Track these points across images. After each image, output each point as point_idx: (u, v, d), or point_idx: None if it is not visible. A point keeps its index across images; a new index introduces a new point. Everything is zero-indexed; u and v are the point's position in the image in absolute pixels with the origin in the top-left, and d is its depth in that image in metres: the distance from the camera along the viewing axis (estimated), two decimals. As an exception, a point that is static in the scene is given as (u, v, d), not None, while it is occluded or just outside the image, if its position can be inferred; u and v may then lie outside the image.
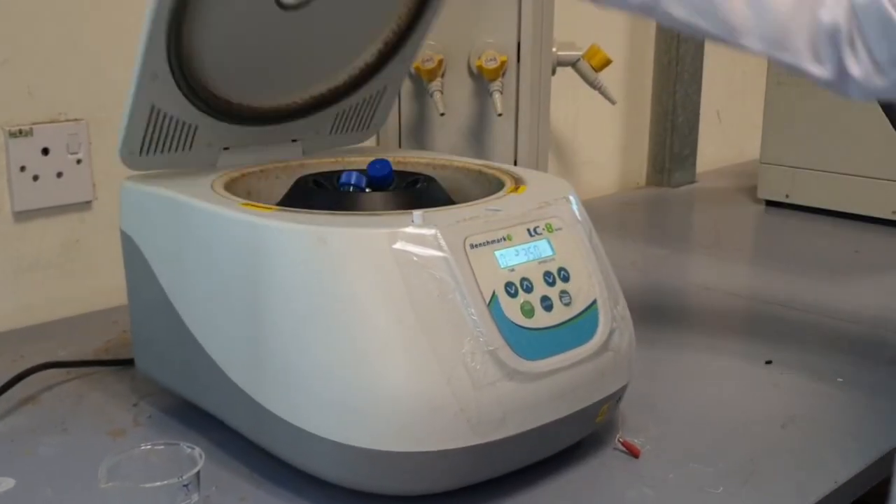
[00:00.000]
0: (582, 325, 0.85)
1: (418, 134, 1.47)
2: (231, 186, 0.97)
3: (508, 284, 0.81)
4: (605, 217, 1.95)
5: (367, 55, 1.10)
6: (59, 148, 1.25)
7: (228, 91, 1.00)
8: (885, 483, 0.86)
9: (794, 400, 1.05)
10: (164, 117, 0.97)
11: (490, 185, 1.01)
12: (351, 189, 1.00)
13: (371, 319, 0.77)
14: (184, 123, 0.99)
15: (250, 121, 1.05)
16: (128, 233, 0.98)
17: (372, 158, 1.10)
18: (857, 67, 0.86)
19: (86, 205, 1.30)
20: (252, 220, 0.83)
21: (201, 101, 0.98)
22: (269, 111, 1.06)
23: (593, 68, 1.60)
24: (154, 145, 0.98)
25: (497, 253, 0.82)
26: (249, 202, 0.88)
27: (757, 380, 1.11)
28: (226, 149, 1.05)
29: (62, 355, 1.15)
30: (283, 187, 1.03)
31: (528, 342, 0.80)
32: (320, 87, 1.09)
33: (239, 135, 1.05)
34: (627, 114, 2.16)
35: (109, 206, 1.29)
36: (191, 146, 1.02)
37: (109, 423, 0.98)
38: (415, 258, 0.78)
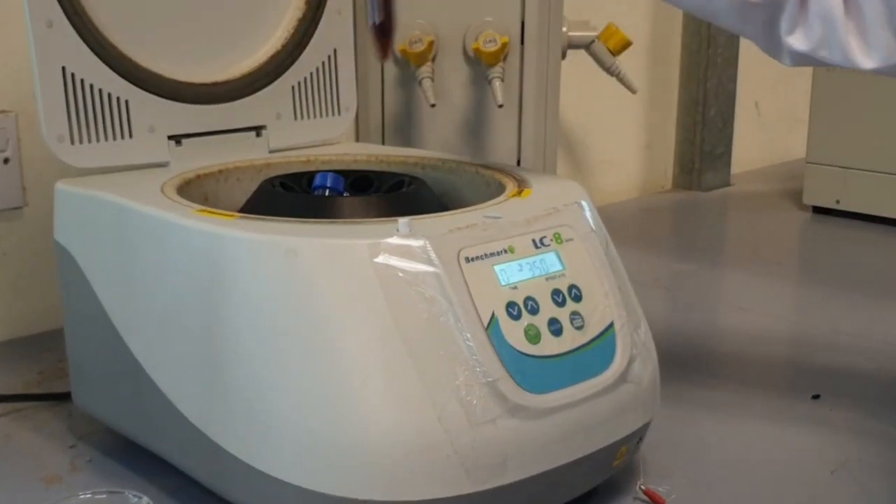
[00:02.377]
0: (597, 352, 0.85)
1: (405, 128, 1.47)
2: (185, 190, 0.97)
3: (510, 305, 0.81)
4: (623, 226, 1.95)
5: (295, 8, 1.16)
6: (-17, 145, 1.26)
7: (135, 49, 1.04)
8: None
9: (845, 441, 1.05)
10: (84, 85, 1.00)
11: (489, 189, 1.01)
12: (326, 193, 1.00)
13: (349, 345, 0.77)
14: (110, 95, 1.02)
15: (190, 97, 1.08)
16: (63, 244, 0.98)
17: (351, 157, 1.10)
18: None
19: (14, 212, 1.30)
20: (209, 230, 0.83)
21: (114, 62, 1.02)
22: (208, 87, 1.09)
23: (610, 51, 1.60)
24: (85, 127, 1.01)
25: (497, 268, 0.82)
26: (206, 208, 0.88)
27: (802, 417, 1.11)
28: (178, 143, 1.06)
29: (-14, 388, 1.15)
30: (245, 191, 1.04)
31: (533, 372, 0.80)
32: (256, 54, 1.14)
33: (185, 118, 1.08)
34: (650, 105, 2.17)
35: (42, 214, 1.29)
36: (130, 131, 1.03)
37: (42, 467, 0.98)
38: (400, 274, 0.78)
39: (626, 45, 1.61)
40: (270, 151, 1.14)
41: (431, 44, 1.40)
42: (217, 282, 0.82)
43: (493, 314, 0.80)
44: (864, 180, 1.91)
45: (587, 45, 1.60)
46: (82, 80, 1.00)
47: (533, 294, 0.83)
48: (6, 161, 1.27)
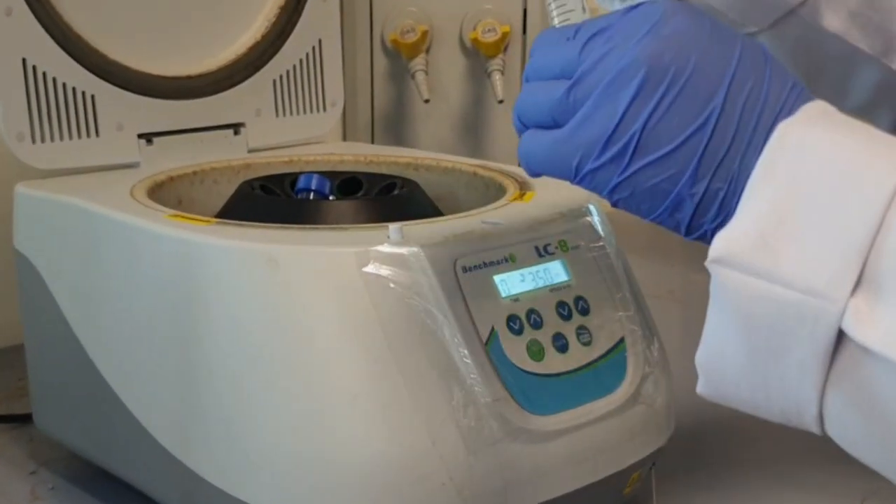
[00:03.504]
0: (606, 370, 0.85)
1: (396, 125, 1.47)
2: (156, 193, 0.97)
3: (511, 318, 0.81)
4: (635, 232, 1.95)
5: None
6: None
7: (102, 40, 1.04)
8: None
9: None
10: (46, 79, 1.00)
11: (488, 192, 1.01)
12: (310, 196, 1.00)
13: (335, 363, 0.77)
14: (74, 90, 1.02)
15: (162, 92, 1.08)
16: (23, 252, 0.98)
17: (338, 157, 1.10)
18: None
19: (-30, 217, 1.30)
20: (183, 237, 0.83)
21: (80, 54, 1.02)
22: (182, 81, 1.10)
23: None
24: (48, 124, 1.01)
25: (497, 278, 0.82)
26: (180, 213, 0.88)
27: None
28: (149, 142, 1.06)
29: (-61, 410, 1.15)
30: (222, 194, 1.03)
31: (536, 392, 0.80)
32: (234, 45, 1.14)
33: (157, 115, 1.07)
34: (664, 100, 2.16)
35: (0, 218, 1.28)
36: (97, 129, 1.03)
37: (1, 496, 0.98)
38: (391, 284, 0.78)
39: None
40: (249, 151, 1.14)
41: (425, 34, 1.41)
42: (191, 293, 0.82)
43: (492, 329, 0.80)
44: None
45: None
46: (44, 74, 1.00)
47: (536, 307, 0.83)
48: (-39, 162, 1.27)
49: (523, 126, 0.72)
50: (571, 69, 0.67)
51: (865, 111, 0.95)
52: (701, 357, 0.65)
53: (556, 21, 0.79)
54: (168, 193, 1.00)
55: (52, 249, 0.96)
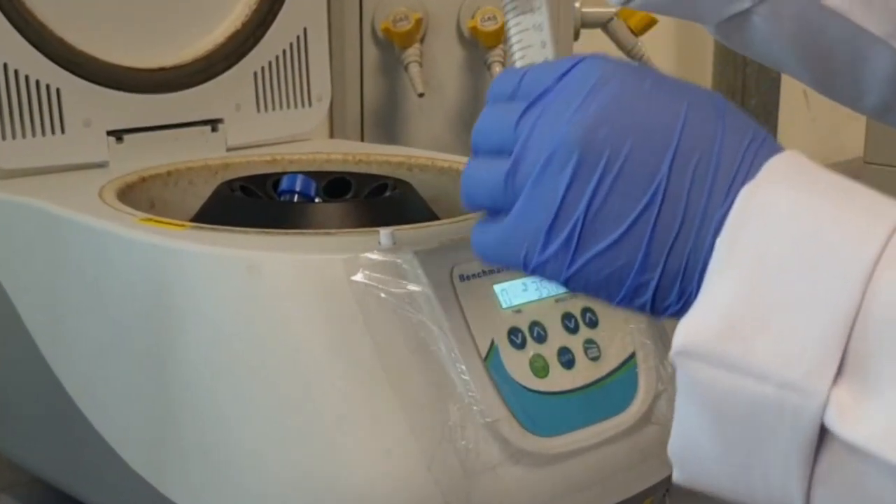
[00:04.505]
0: (615, 387, 0.85)
1: (388, 122, 1.47)
2: (127, 195, 0.97)
3: (513, 331, 0.81)
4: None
5: None
6: None
7: (69, 29, 1.04)
8: None
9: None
10: (7, 71, 1.01)
11: (488, 194, 1.01)
12: (294, 198, 1.00)
13: (322, 380, 0.77)
14: (38, 83, 1.02)
15: (133, 86, 1.08)
16: (-17, 260, 0.98)
17: (324, 156, 1.10)
18: None
19: (-75, 221, 1.30)
20: (156, 243, 0.83)
21: (44, 44, 1.02)
22: (155, 73, 1.09)
23: (632, 31, 1.61)
24: (10, 120, 1.01)
25: (497, 287, 0.82)
26: (152, 217, 0.88)
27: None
28: (119, 139, 1.06)
29: None
30: (199, 196, 1.04)
31: (540, 411, 0.80)
32: (212, 34, 1.14)
33: (128, 110, 1.08)
34: (679, 94, 2.17)
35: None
36: (63, 126, 1.03)
37: (-44, 525, 0.98)
38: (382, 294, 0.78)
39: (651, 23, 1.61)
40: (228, 149, 1.14)
41: (419, 22, 1.41)
42: (165, 304, 0.82)
43: (492, 342, 0.80)
44: (931, 183, 1.92)
45: (604, 24, 1.60)
46: (5, 65, 1.00)
47: (540, 319, 0.83)
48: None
49: (471, 205, 0.70)
50: (509, 144, 0.65)
51: (883, 113, 0.94)
52: (673, 448, 0.63)
53: (516, 54, 0.78)
54: (140, 195, 1.00)
55: (14, 256, 0.96)
